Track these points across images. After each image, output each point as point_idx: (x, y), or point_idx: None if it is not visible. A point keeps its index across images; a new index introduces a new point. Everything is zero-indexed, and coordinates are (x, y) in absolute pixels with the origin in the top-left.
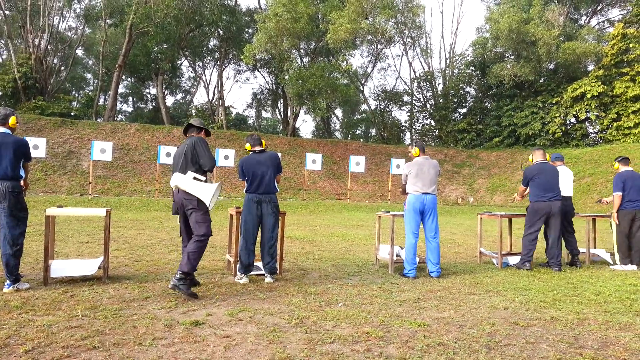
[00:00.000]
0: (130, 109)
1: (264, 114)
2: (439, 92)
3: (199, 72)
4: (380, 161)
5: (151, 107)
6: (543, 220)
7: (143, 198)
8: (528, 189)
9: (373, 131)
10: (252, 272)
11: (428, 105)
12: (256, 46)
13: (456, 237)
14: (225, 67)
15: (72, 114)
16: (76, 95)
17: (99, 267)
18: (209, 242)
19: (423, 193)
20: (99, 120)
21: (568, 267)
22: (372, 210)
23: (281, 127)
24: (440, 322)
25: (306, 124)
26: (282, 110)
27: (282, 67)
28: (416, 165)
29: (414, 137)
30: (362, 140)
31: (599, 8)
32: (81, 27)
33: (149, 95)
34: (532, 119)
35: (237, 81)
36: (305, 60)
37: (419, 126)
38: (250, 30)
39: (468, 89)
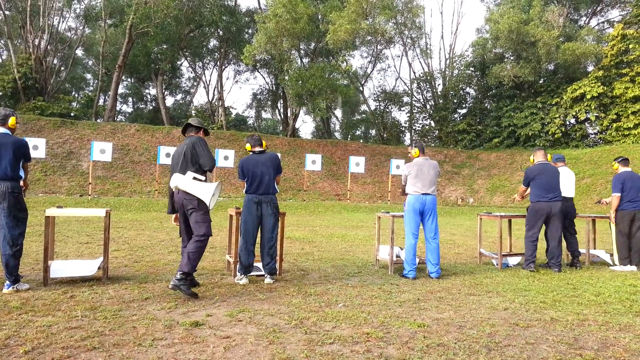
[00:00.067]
0: (130, 110)
1: (264, 115)
2: (439, 93)
3: (199, 72)
4: (380, 162)
5: (151, 107)
6: (543, 220)
7: (143, 199)
8: (528, 190)
9: (373, 132)
10: (252, 273)
11: (428, 106)
12: (256, 47)
13: (456, 237)
14: (225, 67)
15: (72, 114)
16: (76, 95)
17: (99, 268)
18: (208, 243)
19: (423, 194)
20: (98, 120)
21: (568, 268)
22: (372, 210)
23: (281, 127)
24: (440, 322)
25: (306, 125)
26: (281, 110)
27: (282, 68)
28: (416, 166)
29: (414, 138)
30: (361, 140)
31: (598, 9)
32: (81, 28)
33: (148, 96)
34: (531, 119)
35: (236, 82)
36: (305, 60)
37: (418, 127)
38: (250, 31)
39: (468, 89)
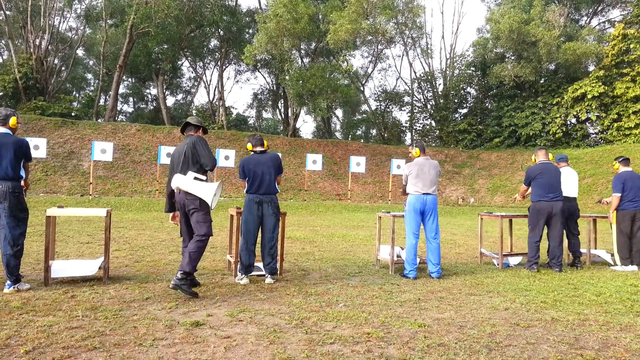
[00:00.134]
0: (130, 110)
1: (265, 115)
2: (440, 93)
3: (200, 72)
4: (381, 162)
5: (152, 107)
6: (545, 220)
7: (143, 198)
8: (529, 189)
9: (373, 132)
10: (253, 273)
11: (428, 106)
12: (257, 46)
13: (457, 237)
14: (226, 67)
15: (73, 114)
16: (77, 95)
17: (100, 268)
18: (209, 243)
19: (423, 193)
20: (99, 120)
21: (569, 268)
22: (373, 210)
23: (282, 127)
24: (441, 322)
25: (307, 125)
26: (282, 110)
27: (282, 68)
28: (417, 165)
29: (415, 138)
30: (362, 140)
31: (599, 9)
32: (82, 28)
33: (149, 96)
34: (532, 119)
35: (237, 81)
36: (306, 60)
37: (419, 126)
38: (250, 31)
39: (468, 89)
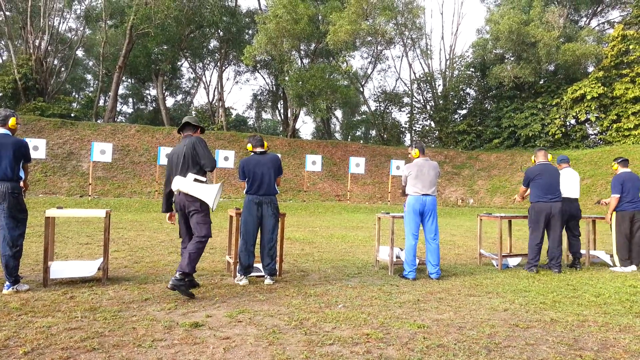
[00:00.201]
0: (130, 110)
1: (264, 115)
2: (439, 94)
3: (199, 73)
4: (380, 162)
5: (151, 108)
6: (545, 221)
7: (143, 199)
8: (529, 190)
9: (373, 132)
10: (252, 274)
11: (428, 107)
12: (256, 47)
13: (456, 238)
14: (226, 68)
15: (72, 115)
16: (76, 96)
17: (99, 269)
18: (208, 243)
19: (423, 194)
20: (99, 121)
21: (568, 269)
22: (372, 211)
23: (281, 128)
24: (440, 323)
25: (306, 125)
26: (282, 111)
27: (282, 69)
28: (416, 166)
29: (414, 139)
30: (362, 141)
31: (599, 9)
32: (81, 28)
33: (149, 97)
34: (532, 120)
35: (237, 82)
36: (306, 61)
37: (418, 127)
38: (250, 32)
39: (468, 90)
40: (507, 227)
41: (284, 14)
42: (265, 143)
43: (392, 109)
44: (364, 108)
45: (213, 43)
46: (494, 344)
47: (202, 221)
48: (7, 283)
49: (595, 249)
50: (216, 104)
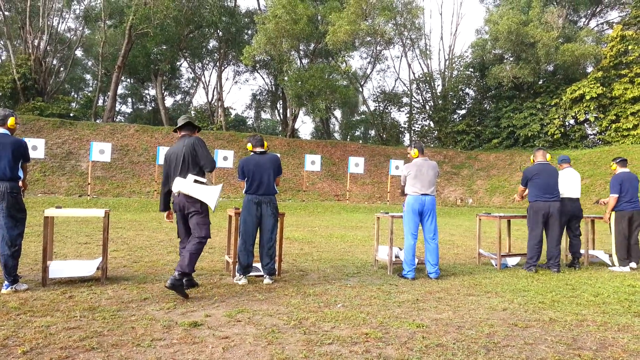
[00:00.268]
0: (129, 110)
1: (263, 115)
2: (438, 94)
3: (198, 73)
4: (380, 162)
5: (150, 108)
6: (543, 220)
7: (142, 199)
8: (527, 190)
9: (372, 132)
10: (251, 273)
11: (427, 107)
12: (255, 47)
13: (455, 238)
14: (225, 68)
15: (71, 114)
16: (75, 96)
17: (98, 268)
18: (207, 243)
19: (422, 194)
20: (98, 121)
21: (567, 269)
22: (371, 211)
23: (280, 128)
24: (439, 323)
25: (305, 125)
26: (281, 111)
27: (281, 69)
28: (415, 166)
29: (413, 139)
30: (361, 141)
31: (597, 10)
32: (80, 28)
33: (148, 96)
34: (531, 120)
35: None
36: (305, 61)
37: (418, 127)
38: (249, 32)
39: (467, 90)
40: (506, 227)
41: (283, 14)
42: (265, 143)
43: (391, 109)
44: (363, 108)
45: (212, 43)
46: (492, 343)
47: (201, 222)
48: (6, 282)
49: (594, 249)
50: (215, 103)
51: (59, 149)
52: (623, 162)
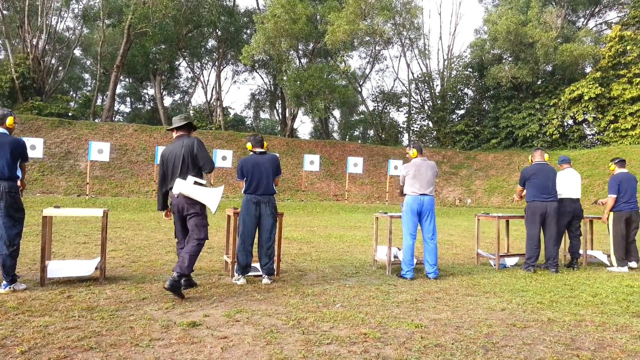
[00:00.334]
0: (128, 110)
1: (262, 115)
2: (437, 94)
3: (197, 72)
4: (378, 162)
5: (149, 107)
6: (540, 220)
7: (140, 199)
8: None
9: (371, 132)
10: (250, 273)
11: (426, 107)
12: (254, 47)
13: (454, 238)
14: (224, 67)
15: (70, 114)
16: (74, 95)
17: (96, 268)
18: (206, 243)
19: (420, 194)
20: (96, 120)
21: (565, 269)
22: (370, 211)
23: (279, 128)
24: (438, 323)
25: (304, 125)
26: (280, 111)
27: (280, 68)
28: (414, 166)
29: (412, 139)
30: (360, 141)
31: (596, 10)
32: (79, 28)
33: (146, 96)
34: (529, 120)
35: (235, 82)
36: (304, 61)
37: (416, 127)
38: (248, 31)
39: (466, 90)
40: (504, 227)
41: (282, 13)
42: (265, 143)
43: (390, 108)
44: (362, 108)
45: (211, 42)
46: (491, 343)
47: (200, 224)
48: (4, 282)
49: (592, 249)
50: (214, 103)
51: (57, 148)
52: (621, 162)
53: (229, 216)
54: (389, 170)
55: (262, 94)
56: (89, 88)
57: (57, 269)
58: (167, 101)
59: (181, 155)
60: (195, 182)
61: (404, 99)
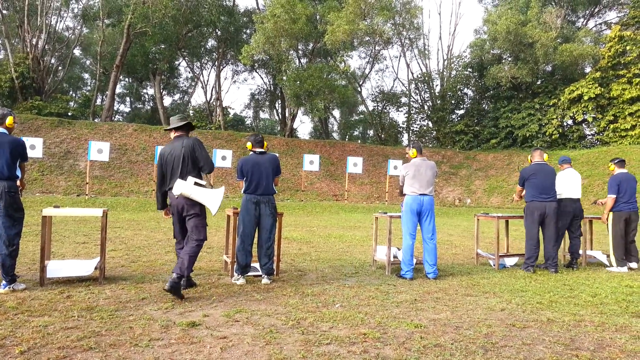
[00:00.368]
0: (127, 109)
1: (262, 115)
2: (437, 94)
3: (197, 72)
4: (378, 162)
5: (149, 107)
6: (539, 220)
7: (140, 198)
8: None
9: (371, 132)
10: (249, 273)
11: (426, 107)
12: (254, 47)
13: (453, 238)
14: (223, 67)
15: (69, 114)
16: (73, 95)
17: (96, 268)
18: (205, 243)
19: (420, 194)
20: (96, 120)
21: (564, 269)
22: (370, 211)
23: (279, 127)
24: (437, 323)
25: (304, 125)
26: (279, 111)
27: (280, 68)
28: (413, 166)
29: (412, 139)
30: (359, 141)
31: (596, 10)
32: (79, 27)
33: (146, 96)
34: (529, 120)
35: (235, 82)
36: (303, 61)
37: (416, 127)
38: (248, 31)
39: (466, 90)
40: (504, 227)
41: (282, 13)
42: (265, 143)
43: (389, 108)
44: (361, 108)
45: (211, 42)
46: (490, 343)
47: (200, 224)
48: (4, 282)
49: (592, 249)
50: (214, 103)
51: (57, 148)
52: (621, 162)
53: (228, 216)
54: (388, 170)
55: (262, 93)
56: (89, 88)
57: (56, 268)
58: (167, 101)
59: (181, 156)
60: (196, 183)
61: (403, 99)
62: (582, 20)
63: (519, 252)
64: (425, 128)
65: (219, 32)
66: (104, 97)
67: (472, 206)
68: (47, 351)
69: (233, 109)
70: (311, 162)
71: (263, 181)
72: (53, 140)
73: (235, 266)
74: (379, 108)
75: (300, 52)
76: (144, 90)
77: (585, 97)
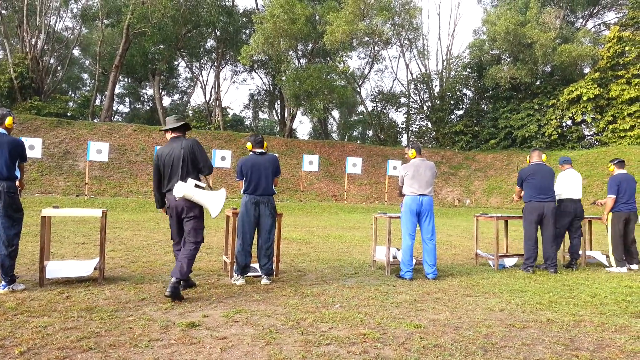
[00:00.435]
0: (126, 110)
1: (261, 115)
2: (436, 94)
3: (196, 72)
4: (377, 163)
5: (148, 107)
6: (538, 220)
7: (139, 199)
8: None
9: (370, 133)
10: (249, 274)
11: (425, 107)
12: (253, 47)
13: (452, 238)
14: (223, 68)
15: (69, 114)
16: (72, 95)
17: (95, 268)
18: (205, 243)
19: (419, 195)
20: (95, 120)
21: (564, 269)
22: (369, 211)
23: (278, 128)
24: (437, 323)
25: (303, 125)
26: (279, 111)
27: (279, 68)
28: (412, 167)
29: (411, 139)
30: (359, 141)
31: (595, 11)
32: (78, 27)
33: (145, 96)
34: (528, 121)
35: (234, 82)
36: (303, 61)
37: (415, 128)
38: (247, 31)
39: (465, 90)
40: (503, 228)
41: (281, 13)
42: (265, 143)
43: (389, 109)
44: (360, 108)
45: (210, 43)
46: (490, 344)
47: (198, 227)
48: (3, 283)
49: (591, 250)
50: (213, 103)
51: (56, 148)
52: (621, 163)
53: (228, 216)
54: (387, 171)
55: (261, 94)
56: (88, 88)
57: (56, 269)
58: (166, 101)
59: (181, 157)
60: (196, 185)
61: (402, 100)
62: (581, 20)
63: (518, 253)
64: (424, 128)
65: (218, 32)
66: (103, 97)
67: (472, 206)
68: (46, 352)
69: (232, 109)
70: (310, 163)
71: (262, 182)
72: (52, 140)
73: (234, 267)
74: (378, 108)
75: (299, 52)
76: (143, 91)
77: (584, 98)
